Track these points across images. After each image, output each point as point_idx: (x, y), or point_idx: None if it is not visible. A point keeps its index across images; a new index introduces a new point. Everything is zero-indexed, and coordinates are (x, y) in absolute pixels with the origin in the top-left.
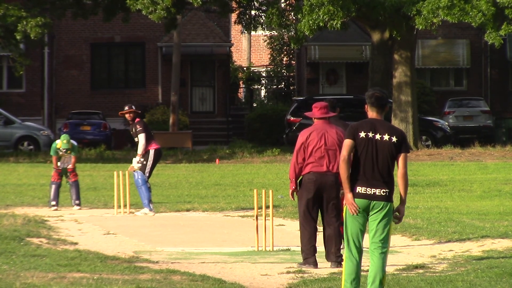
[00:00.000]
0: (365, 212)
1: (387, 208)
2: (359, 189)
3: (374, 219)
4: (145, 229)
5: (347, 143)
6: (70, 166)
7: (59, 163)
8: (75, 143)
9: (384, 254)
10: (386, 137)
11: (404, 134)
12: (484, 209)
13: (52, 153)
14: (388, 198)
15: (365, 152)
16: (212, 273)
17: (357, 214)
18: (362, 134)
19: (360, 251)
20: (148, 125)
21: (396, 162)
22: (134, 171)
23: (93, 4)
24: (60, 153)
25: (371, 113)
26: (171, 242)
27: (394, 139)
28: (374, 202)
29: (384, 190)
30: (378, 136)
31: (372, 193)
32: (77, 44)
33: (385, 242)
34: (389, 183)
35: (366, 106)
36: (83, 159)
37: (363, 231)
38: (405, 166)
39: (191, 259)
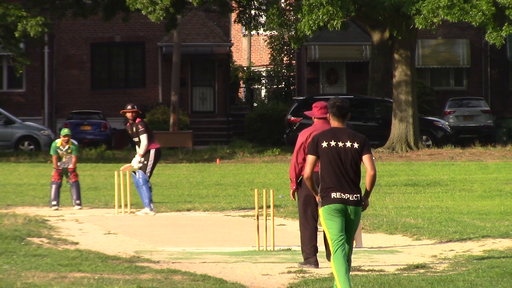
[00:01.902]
0: (342, 213)
1: (359, 213)
2: (334, 195)
3: (349, 223)
4: (146, 229)
5: (310, 159)
6: (70, 166)
7: (59, 163)
8: (75, 142)
9: (351, 250)
10: (348, 144)
11: (366, 140)
12: (485, 209)
13: (52, 152)
14: (359, 203)
15: (332, 160)
16: (213, 273)
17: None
18: (325, 144)
19: (344, 246)
20: (148, 125)
21: (363, 166)
22: (132, 171)
23: (93, 3)
24: (60, 152)
25: (333, 122)
26: (172, 241)
27: (356, 145)
28: (349, 206)
29: (356, 195)
30: (341, 144)
31: (346, 198)
32: (77, 44)
33: (351, 247)
34: (358, 188)
35: (328, 115)
36: (83, 159)
37: (343, 228)
38: (373, 168)
39: (192, 259)
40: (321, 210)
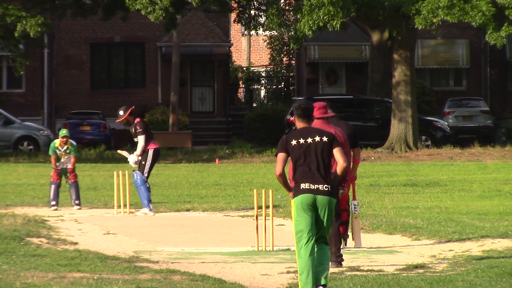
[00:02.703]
0: (312, 207)
1: (332, 204)
2: (303, 185)
3: (321, 213)
4: (145, 229)
5: (280, 157)
6: (69, 166)
7: (58, 163)
8: (74, 142)
9: (328, 247)
10: (317, 138)
11: (334, 135)
12: (484, 209)
13: (50, 152)
14: (331, 193)
15: (302, 155)
16: (212, 273)
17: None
18: (294, 142)
19: (313, 243)
20: (148, 125)
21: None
22: (132, 170)
23: (93, 3)
24: (59, 152)
25: (299, 124)
26: (171, 242)
27: (324, 138)
28: (319, 196)
29: (326, 186)
30: (310, 140)
31: (315, 188)
32: (77, 44)
33: (327, 236)
34: (329, 180)
35: (293, 117)
36: (83, 159)
37: (313, 223)
38: (345, 160)
39: (191, 259)
40: (292, 202)
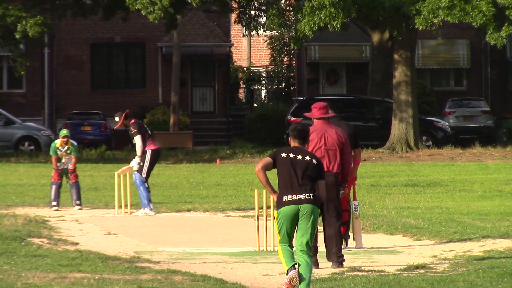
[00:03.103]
0: (295, 218)
1: (314, 210)
2: (286, 198)
3: (303, 222)
4: (146, 229)
5: (267, 160)
6: (70, 167)
7: (58, 164)
8: (74, 143)
9: (310, 258)
10: (307, 158)
11: (322, 164)
12: (485, 209)
13: (51, 153)
14: (313, 201)
15: (289, 168)
16: (213, 273)
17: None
18: (284, 155)
19: (291, 245)
20: (143, 125)
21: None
22: (124, 172)
23: (93, 3)
24: (60, 153)
25: (293, 144)
26: (172, 242)
27: (314, 161)
28: (301, 206)
29: (308, 195)
30: (300, 157)
31: (298, 198)
32: (77, 44)
33: (309, 245)
34: (313, 190)
35: (289, 138)
36: (83, 159)
37: (292, 235)
38: (323, 195)
39: (192, 259)
40: (275, 213)
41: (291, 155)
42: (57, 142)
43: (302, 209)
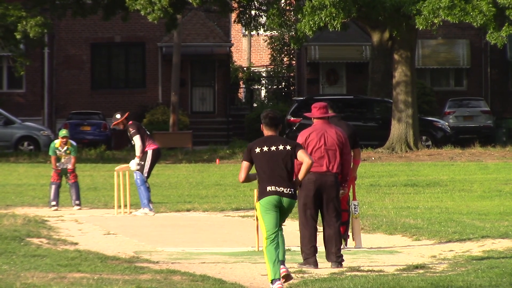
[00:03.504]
0: (277, 207)
1: (293, 205)
2: (269, 188)
3: (282, 214)
4: (146, 229)
5: (244, 165)
6: (70, 167)
7: (58, 164)
8: (74, 143)
9: (281, 231)
10: (281, 147)
11: (297, 143)
12: (485, 209)
13: (50, 153)
14: (293, 196)
15: (266, 162)
16: (212, 273)
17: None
18: (258, 150)
19: (277, 236)
20: (141, 126)
21: (296, 165)
22: (131, 169)
23: (93, 3)
24: (59, 153)
25: (266, 132)
26: (172, 242)
27: (288, 147)
28: (283, 198)
29: (290, 189)
30: (273, 148)
31: (281, 190)
32: (77, 44)
33: (281, 226)
34: (292, 184)
35: (262, 125)
36: (83, 159)
37: (277, 224)
38: (310, 158)
39: (191, 259)
40: (258, 204)
41: (265, 149)
42: (57, 142)
43: (285, 203)
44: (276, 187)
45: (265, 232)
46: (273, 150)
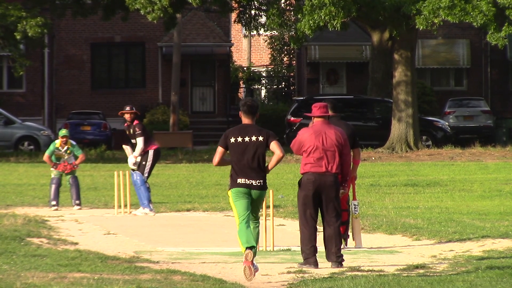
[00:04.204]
0: (247, 195)
1: (262, 195)
2: (239, 180)
3: (253, 204)
4: (146, 229)
5: (219, 150)
6: (75, 161)
7: (56, 161)
8: (73, 142)
9: (258, 226)
10: (254, 138)
11: (270, 133)
12: (485, 209)
13: (47, 152)
14: (262, 187)
15: (240, 152)
16: (212, 273)
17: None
18: (233, 140)
19: (249, 219)
20: (146, 127)
21: (268, 155)
22: (132, 170)
23: (93, 3)
24: (59, 152)
25: (244, 119)
26: (172, 242)
27: (260, 138)
28: (252, 190)
29: (259, 181)
30: (247, 139)
31: (250, 183)
32: (77, 44)
33: (258, 218)
34: (262, 174)
35: (240, 112)
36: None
37: (248, 207)
38: (281, 151)
39: (191, 259)
40: (229, 192)
41: (239, 139)
42: (57, 143)
43: (254, 194)
44: (246, 180)
45: (237, 218)
46: (247, 141)
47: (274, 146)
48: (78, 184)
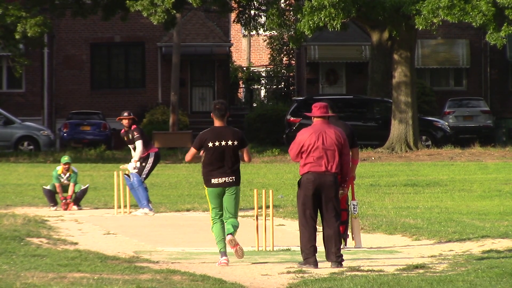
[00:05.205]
0: (221, 196)
1: (237, 190)
2: (213, 180)
3: (228, 199)
4: (145, 229)
5: (193, 151)
6: (69, 193)
7: (64, 194)
8: (75, 170)
9: (235, 220)
10: (229, 142)
11: (242, 136)
12: (484, 209)
13: (54, 180)
14: (234, 183)
15: (215, 155)
16: (212, 273)
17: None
18: (210, 144)
19: (221, 219)
20: (144, 131)
21: (241, 156)
22: (125, 173)
23: (93, 3)
24: (62, 180)
25: (216, 122)
26: (172, 242)
27: (235, 142)
28: (226, 188)
29: (232, 178)
30: (223, 143)
31: (223, 181)
32: (77, 44)
33: (235, 213)
34: (235, 172)
35: (211, 114)
36: (83, 159)
37: (221, 207)
38: (249, 159)
39: (191, 259)
40: (206, 190)
41: (216, 144)
42: (59, 169)
43: (228, 191)
44: (219, 179)
45: (211, 214)
46: (223, 145)
47: (244, 152)
48: (86, 192)
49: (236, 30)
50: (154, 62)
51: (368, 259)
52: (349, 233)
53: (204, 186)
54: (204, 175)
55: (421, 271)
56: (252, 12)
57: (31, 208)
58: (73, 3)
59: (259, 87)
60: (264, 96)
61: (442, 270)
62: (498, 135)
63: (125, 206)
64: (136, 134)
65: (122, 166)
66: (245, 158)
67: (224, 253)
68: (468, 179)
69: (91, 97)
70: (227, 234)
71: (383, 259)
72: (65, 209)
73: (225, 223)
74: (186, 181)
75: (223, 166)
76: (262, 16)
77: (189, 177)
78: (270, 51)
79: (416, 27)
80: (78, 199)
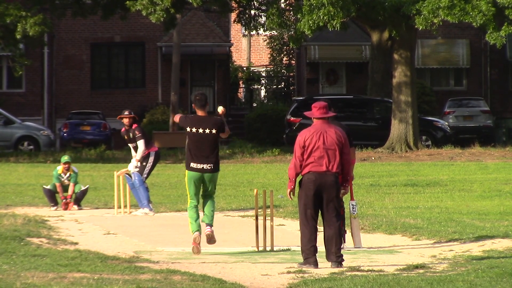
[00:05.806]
0: (199, 181)
1: (214, 176)
2: (193, 165)
3: (207, 184)
4: (146, 229)
5: (177, 116)
6: (69, 193)
7: (64, 193)
8: (76, 169)
9: (213, 200)
10: (207, 130)
11: (222, 125)
12: (484, 209)
13: (54, 180)
14: (213, 170)
15: (195, 140)
16: (212, 273)
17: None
18: (189, 129)
19: (198, 201)
20: (144, 130)
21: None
22: (127, 173)
23: (93, 3)
24: (62, 180)
25: (198, 112)
26: (172, 242)
27: (213, 131)
28: (205, 174)
29: (210, 165)
30: (201, 130)
31: (201, 167)
32: (77, 44)
33: (213, 194)
34: (214, 159)
35: (193, 105)
36: (83, 159)
37: (198, 192)
38: (226, 134)
39: (191, 259)
40: (186, 172)
41: (196, 130)
42: (59, 169)
43: (206, 177)
44: (198, 164)
45: (188, 198)
46: (201, 132)
47: (223, 133)
48: (86, 192)
49: (236, 30)
50: (154, 62)
51: (368, 259)
52: (347, 230)
53: (186, 169)
54: (186, 158)
55: (421, 271)
56: (252, 12)
57: (31, 208)
58: (73, 3)
59: (259, 87)
60: (264, 96)
61: (442, 270)
62: (498, 135)
63: (125, 206)
64: (137, 133)
65: (118, 173)
66: (224, 135)
67: (199, 231)
68: (468, 179)
69: (91, 97)
70: (207, 225)
71: (383, 259)
72: (65, 209)
73: (203, 202)
74: None
75: (202, 153)
76: (262, 16)
77: None
78: (270, 51)
79: (416, 27)
80: (78, 200)
